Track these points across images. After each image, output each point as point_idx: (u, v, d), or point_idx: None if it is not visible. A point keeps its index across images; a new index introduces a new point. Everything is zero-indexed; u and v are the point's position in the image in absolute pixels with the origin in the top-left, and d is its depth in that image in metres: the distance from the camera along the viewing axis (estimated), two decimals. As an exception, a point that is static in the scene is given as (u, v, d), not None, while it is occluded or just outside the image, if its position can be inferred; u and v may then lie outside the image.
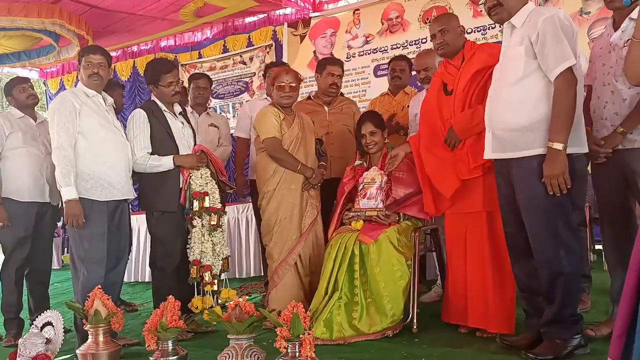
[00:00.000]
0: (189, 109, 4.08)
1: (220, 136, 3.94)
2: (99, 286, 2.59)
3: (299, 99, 3.55)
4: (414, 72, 3.90)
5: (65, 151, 2.83)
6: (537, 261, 2.33)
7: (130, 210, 6.11)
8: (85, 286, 2.78)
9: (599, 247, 4.26)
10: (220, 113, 6.99)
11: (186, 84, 4.38)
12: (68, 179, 2.80)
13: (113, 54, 8.46)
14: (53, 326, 2.50)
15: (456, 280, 2.75)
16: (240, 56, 7.58)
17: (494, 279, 2.60)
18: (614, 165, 2.34)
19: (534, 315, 2.43)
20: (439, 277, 3.49)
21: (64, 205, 2.84)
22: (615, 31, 2.36)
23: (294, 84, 3.21)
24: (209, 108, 4.41)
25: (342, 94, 3.83)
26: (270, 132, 3.16)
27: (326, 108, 3.68)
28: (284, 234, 3.15)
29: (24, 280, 3.49)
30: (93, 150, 2.90)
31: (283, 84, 3.18)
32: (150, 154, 3.06)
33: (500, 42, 2.59)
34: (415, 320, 2.81)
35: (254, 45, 7.43)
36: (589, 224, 4.21)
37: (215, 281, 3.02)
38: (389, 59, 4.16)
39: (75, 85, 3.20)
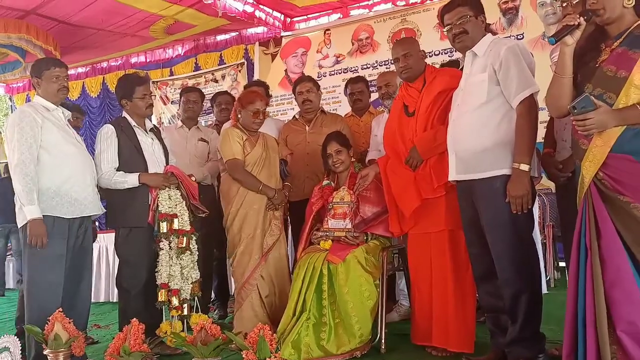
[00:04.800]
0: (179, 122, 4.07)
1: (210, 151, 3.91)
2: (60, 309, 2.52)
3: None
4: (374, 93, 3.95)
5: (27, 168, 2.73)
6: (500, 280, 2.37)
7: (98, 229, 6.04)
8: (40, 311, 2.68)
9: (562, 264, 4.38)
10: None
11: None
12: (31, 197, 2.70)
13: (81, 69, 8.38)
14: (10, 352, 2.41)
15: (423, 301, 2.77)
16: (212, 74, 7.59)
17: (455, 298, 2.64)
18: (575, 187, 2.41)
19: (499, 334, 2.47)
20: (400, 297, 3.50)
21: (27, 224, 2.74)
22: None
23: (265, 109, 3.26)
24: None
25: (323, 111, 3.83)
26: (231, 154, 3.17)
27: (307, 127, 3.70)
28: (246, 254, 3.15)
29: None
30: (57, 165, 2.82)
31: (258, 109, 3.20)
32: (117, 170, 3.03)
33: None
34: (383, 341, 2.81)
35: (225, 63, 7.45)
36: (552, 242, 4.32)
37: (185, 305, 2.96)
38: (345, 82, 4.13)
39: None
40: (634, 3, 1.86)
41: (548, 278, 4.22)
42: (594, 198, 1.84)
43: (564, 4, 2.42)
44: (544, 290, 3.21)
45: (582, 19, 1.89)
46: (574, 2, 2.35)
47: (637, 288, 1.71)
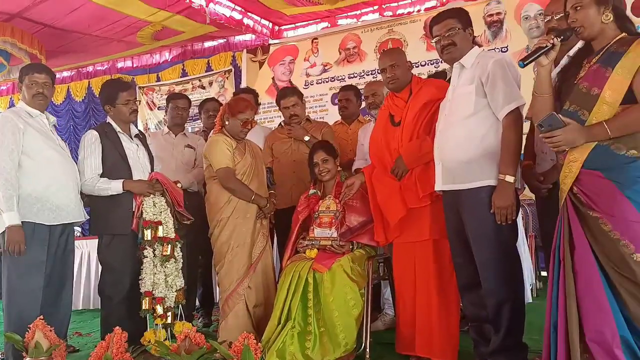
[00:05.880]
0: (165, 128, 4.04)
1: (197, 157, 3.89)
2: (41, 317, 2.49)
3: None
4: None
5: (8, 174, 2.71)
6: (484, 289, 2.40)
7: (81, 235, 5.97)
8: (19, 318, 2.64)
9: (544, 274, 4.43)
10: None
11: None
12: (10, 203, 2.68)
13: (67, 73, 8.30)
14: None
15: (407, 310, 2.78)
16: (200, 80, 7.58)
17: (439, 308, 2.65)
18: (556, 198, 2.44)
19: (482, 344, 2.50)
20: (385, 306, 3.51)
21: (5, 231, 2.70)
22: (555, 67, 2.49)
23: (254, 119, 3.25)
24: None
25: (308, 119, 3.84)
26: (223, 162, 3.11)
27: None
28: (234, 263, 3.11)
29: None
30: (39, 171, 2.81)
31: (248, 119, 3.17)
32: (101, 176, 3.00)
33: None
34: (368, 350, 2.82)
35: (213, 70, 7.45)
36: (535, 251, 4.37)
37: (169, 314, 2.93)
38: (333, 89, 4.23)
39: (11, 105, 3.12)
40: (612, 18, 1.89)
41: (530, 288, 4.26)
42: (569, 211, 1.89)
43: (547, 19, 2.46)
44: (527, 299, 3.26)
45: (555, 39, 1.94)
46: (556, 17, 2.39)
47: (605, 299, 1.77)
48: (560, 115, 1.84)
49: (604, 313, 1.76)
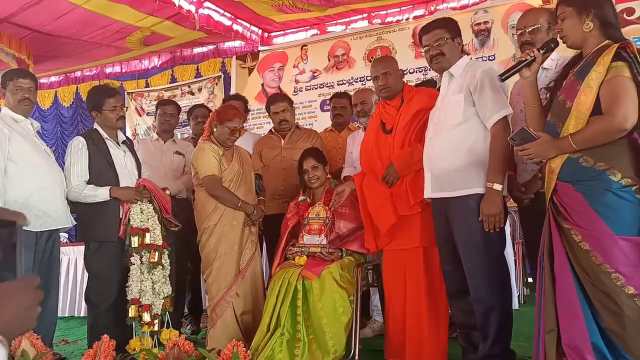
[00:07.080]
0: (154, 135, 4.02)
1: (186, 164, 3.88)
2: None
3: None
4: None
5: None
6: (472, 297, 2.42)
7: (68, 241, 5.91)
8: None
9: (531, 280, 4.47)
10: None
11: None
12: None
13: (54, 78, 8.24)
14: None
15: (396, 317, 2.79)
16: (189, 86, 7.55)
17: (428, 314, 2.67)
18: (538, 207, 2.47)
19: (471, 351, 2.51)
20: (374, 312, 3.52)
21: None
22: None
23: (242, 127, 3.25)
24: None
25: (297, 126, 3.84)
26: (209, 170, 3.10)
27: (282, 142, 3.71)
28: (222, 271, 3.10)
29: None
30: (26, 177, 2.79)
31: (236, 127, 3.16)
32: (88, 183, 2.98)
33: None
34: (357, 357, 2.82)
35: (202, 76, 7.43)
36: (522, 258, 4.41)
37: (156, 321, 2.91)
38: (331, 96, 4.25)
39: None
40: (592, 27, 1.91)
41: (518, 294, 4.30)
42: (550, 220, 1.94)
43: (519, 32, 2.47)
44: (514, 306, 3.29)
45: (536, 51, 1.97)
46: (528, 31, 2.41)
47: (579, 307, 1.81)
48: (531, 129, 1.88)
49: (577, 320, 1.81)
